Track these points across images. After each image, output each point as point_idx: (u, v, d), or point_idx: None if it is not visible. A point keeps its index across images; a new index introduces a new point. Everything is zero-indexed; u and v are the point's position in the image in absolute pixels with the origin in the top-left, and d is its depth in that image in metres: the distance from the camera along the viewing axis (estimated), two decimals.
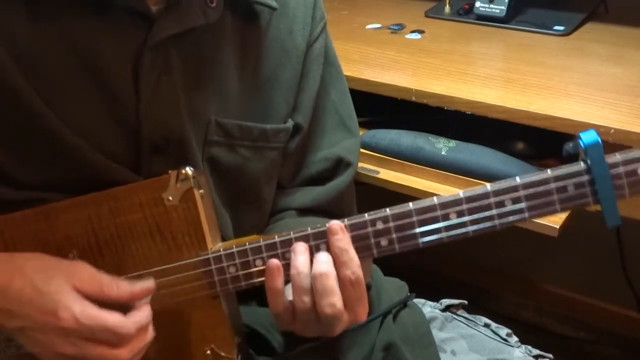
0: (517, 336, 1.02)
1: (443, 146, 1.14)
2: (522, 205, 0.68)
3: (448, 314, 1.03)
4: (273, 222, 0.92)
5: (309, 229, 0.72)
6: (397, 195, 1.17)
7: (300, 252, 0.71)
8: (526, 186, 0.68)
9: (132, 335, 0.68)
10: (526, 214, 0.68)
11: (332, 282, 0.69)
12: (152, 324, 0.71)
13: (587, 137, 0.66)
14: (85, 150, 0.74)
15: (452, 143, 1.14)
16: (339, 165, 0.93)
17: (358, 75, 1.19)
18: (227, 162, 0.83)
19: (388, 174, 1.18)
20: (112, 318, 0.67)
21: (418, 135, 1.17)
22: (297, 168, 0.93)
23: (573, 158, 0.70)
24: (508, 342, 0.99)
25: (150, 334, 0.71)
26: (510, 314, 1.91)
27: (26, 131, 0.73)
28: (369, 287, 0.87)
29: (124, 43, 0.74)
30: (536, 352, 0.98)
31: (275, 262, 0.71)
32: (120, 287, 0.70)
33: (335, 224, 0.70)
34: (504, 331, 1.01)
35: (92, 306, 0.68)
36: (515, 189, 0.68)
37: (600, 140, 0.66)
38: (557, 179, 0.67)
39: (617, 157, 0.66)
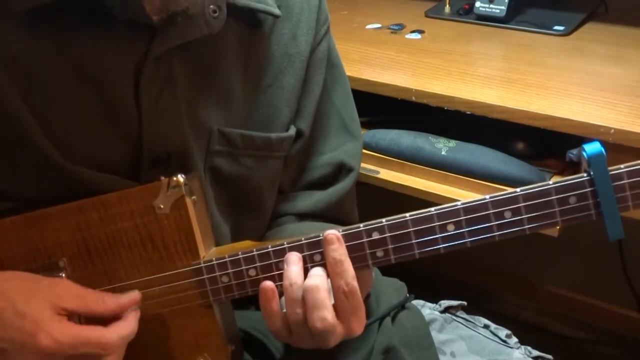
0: (517, 337, 1.01)
1: (443, 146, 1.14)
2: (522, 217, 0.66)
3: (447, 315, 1.03)
4: (273, 227, 0.91)
5: (302, 238, 0.70)
6: (397, 195, 1.17)
7: (293, 263, 0.70)
8: (526, 198, 0.66)
9: (115, 345, 0.68)
10: (526, 226, 0.66)
11: (323, 295, 0.68)
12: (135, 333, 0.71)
13: (591, 148, 0.64)
14: (78, 168, 0.73)
15: (452, 143, 1.14)
16: (341, 170, 0.92)
17: (358, 75, 1.19)
18: (230, 172, 0.82)
19: (388, 174, 1.18)
20: (92, 332, 0.67)
21: (418, 135, 1.17)
22: (299, 173, 0.92)
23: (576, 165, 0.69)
24: (507, 343, 0.99)
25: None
26: (510, 315, 1.91)
27: (17, 151, 0.72)
28: (367, 296, 0.86)
29: (125, 56, 0.73)
30: (536, 353, 0.98)
31: (269, 284, 0.70)
32: (106, 301, 0.70)
33: (332, 233, 0.69)
34: (503, 332, 1.01)
35: (70, 324, 0.67)
36: (515, 200, 0.66)
37: (604, 152, 0.64)
38: (558, 190, 0.65)
39: (621, 169, 0.64)
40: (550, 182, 0.65)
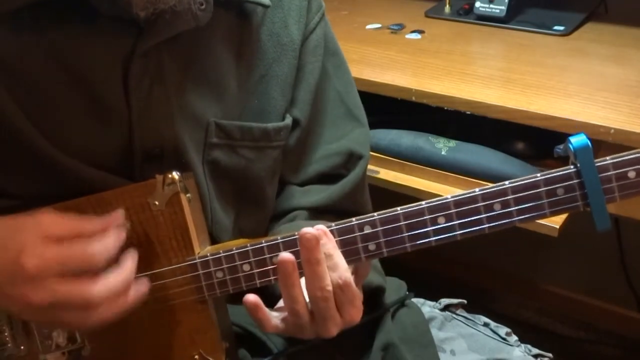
0: (517, 336, 1.01)
1: (443, 146, 1.14)
2: (511, 209, 0.67)
3: (447, 313, 1.03)
4: (284, 222, 0.90)
5: (296, 233, 0.70)
6: (397, 195, 1.17)
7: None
8: (515, 190, 0.67)
9: (103, 258, 0.65)
10: (515, 218, 0.67)
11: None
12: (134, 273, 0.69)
13: (577, 141, 0.66)
14: (73, 165, 0.73)
15: (452, 143, 1.14)
16: (350, 158, 0.92)
17: (358, 75, 1.19)
18: (228, 164, 0.82)
19: (388, 174, 1.18)
20: (77, 248, 0.65)
21: (418, 135, 1.17)
22: (303, 163, 0.92)
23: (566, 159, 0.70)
24: (507, 341, 0.99)
25: (131, 288, 0.68)
26: (510, 314, 1.91)
27: (11, 149, 0.72)
28: (381, 290, 0.86)
29: (112, 52, 0.73)
30: (536, 351, 0.98)
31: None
32: (90, 219, 0.68)
33: (318, 229, 0.68)
34: (503, 330, 1.00)
35: (56, 245, 0.65)
36: (504, 192, 0.67)
37: (590, 144, 0.65)
38: (547, 182, 0.66)
39: (607, 160, 0.65)
40: (538, 175, 0.67)
